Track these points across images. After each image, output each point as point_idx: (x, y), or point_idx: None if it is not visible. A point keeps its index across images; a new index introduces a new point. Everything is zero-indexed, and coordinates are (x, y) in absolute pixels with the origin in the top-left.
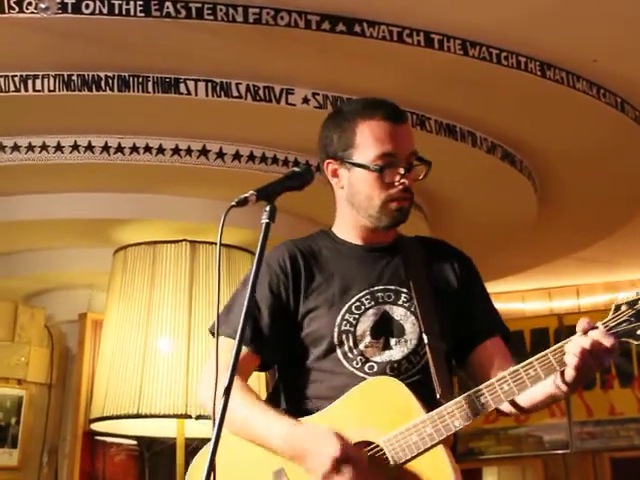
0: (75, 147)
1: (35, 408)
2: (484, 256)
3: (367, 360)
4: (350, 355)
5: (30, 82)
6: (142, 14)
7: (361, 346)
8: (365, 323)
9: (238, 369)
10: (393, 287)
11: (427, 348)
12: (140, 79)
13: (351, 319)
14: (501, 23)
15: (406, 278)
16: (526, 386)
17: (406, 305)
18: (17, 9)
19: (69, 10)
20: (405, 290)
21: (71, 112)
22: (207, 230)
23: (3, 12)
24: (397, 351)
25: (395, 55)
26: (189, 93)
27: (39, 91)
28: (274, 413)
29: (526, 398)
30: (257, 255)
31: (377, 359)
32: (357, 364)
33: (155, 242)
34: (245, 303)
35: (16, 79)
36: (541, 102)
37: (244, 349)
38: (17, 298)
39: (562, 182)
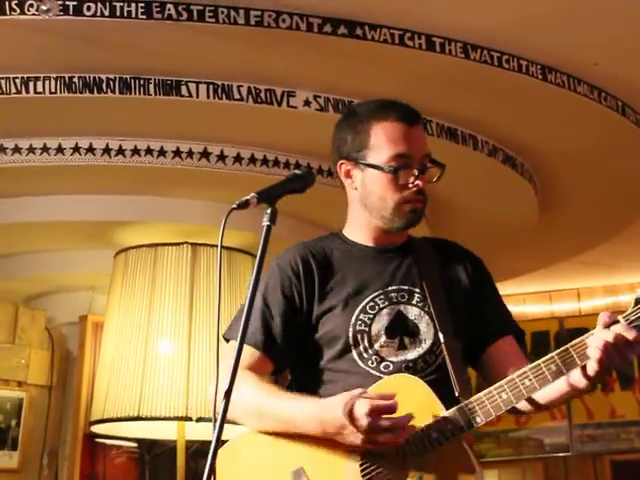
0: (76, 149)
1: (35, 410)
2: (485, 259)
3: (382, 360)
4: (365, 355)
5: (31, 84)
6: (143, 16)
7: (376, 346)
8: (380, 323)
9: (256, 371)
10: (406, 287)
11: (443, 347)
12: (141, 81)
13: (366, 319)
14: (502, 26)
15: (419, 278)
16: (548, 381)
17: (420, 305)
18: (18, 11)
19: (70, 12)
20: (418, 290)
21: (72, 114)
22: (208, 232)
23: (4, 14)
24: (412, 350)
25: (396, 58)
26: (190, 95)
27: (40, 93)
28: (298, 397)
29: (543, 395)
30: (258, 258)
31: (392, 359)
32: (372, 364)
33: (156, 244)
34: (246, 306)
35: (17, 81)
36: (542, 105)
37: (257, 353)
38: (18, 300)
39: (563, 185)
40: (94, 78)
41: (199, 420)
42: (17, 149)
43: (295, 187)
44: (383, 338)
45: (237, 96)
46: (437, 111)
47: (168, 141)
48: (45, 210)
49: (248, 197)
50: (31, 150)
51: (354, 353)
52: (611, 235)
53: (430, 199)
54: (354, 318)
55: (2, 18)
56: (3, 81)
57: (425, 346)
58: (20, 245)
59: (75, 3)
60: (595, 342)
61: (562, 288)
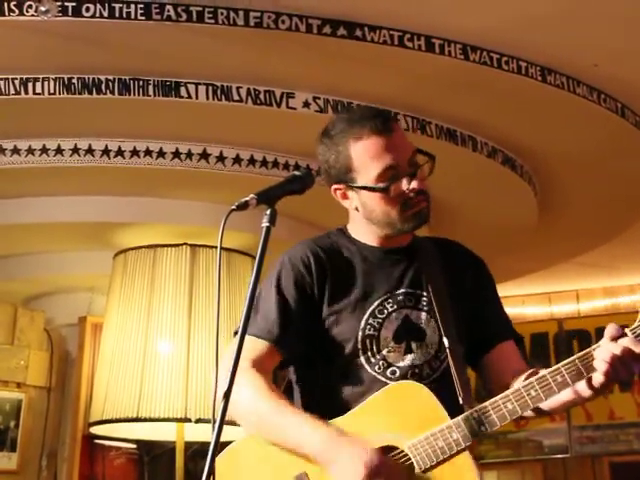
0: (75, 150)
1: (34, 411)
2: (485, 260)
3: (389, 365)
4: (373, 360)
5: (30, 85)
6: (143, 17)
7: (384, 351)
8: (388, 328)
9: (260, 366)
10: (413, 291)
11: (448, 352)
12: (141, 82)
13: (375, 324)
14: (502, 28)
15: (425, 282)
16: (554, 392)
17: (426, 309)
18: (17, 12)
19: (69, 13)
20: (425, 294)
21: (71, 115)
22: (207, 234)
23: (3, 15)
24: (418, 355)
25: (396, 59)
26: (190, 97)
27: (39, 94)
28: (311, 420)
29: (546, 403)
30: (257, 259)
31: (399, 364)
32: (379, 369)
33: (155, 246)
34: (247, 300)
35: (16, 82)
36: (542, 107)
37: (268, 345)
38: (17, 301)
39: (562, 187)
40: (93, 79)
41: (198, 421)
42: (16, 150)
43: (294, 188)
44: (391, 343)
45: (236, 97)
46: (436, 112)
47: (167, 142)
48: (44, 211)
49: (247, 198)
50: (30, 151)
51: (362, 358)
52: (610, 237)
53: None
54: (364, 322)
55: (1, 19)
56: (2, 82)
57: (431, 351)
58: (19, 246)
59: (74, 4)
60: (602, 354)
61: (561, 290)
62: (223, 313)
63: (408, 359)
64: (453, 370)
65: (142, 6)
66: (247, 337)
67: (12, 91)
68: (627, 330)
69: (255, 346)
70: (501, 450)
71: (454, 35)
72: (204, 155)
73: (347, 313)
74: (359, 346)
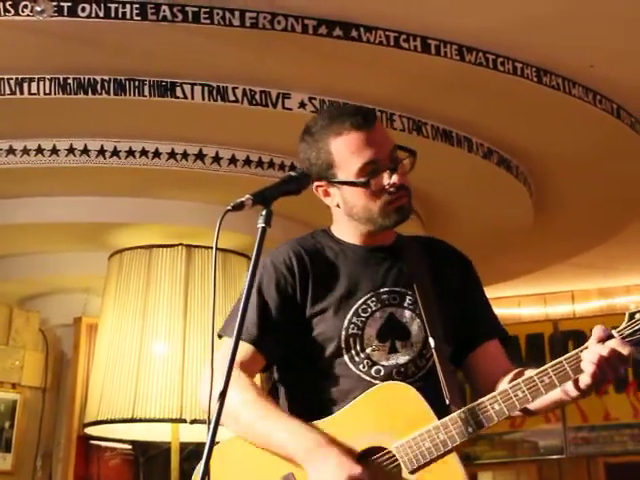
0: (71, 150)
1: (29, 412)
2: (480, 261)
3: (374, 364)
4: (357, 359)
5: (26, 85)
6: (138, 18)
7: (368, 350)
8: (372, 327)
9: (245, 369)
10: (398, 289)
11: (434, 352)
12: (136, 83)
13: (358, 322)
14: (498, 29)
15: (410, 280)
16: (541, 393)
17: (411, 307)
18: (13, 12)
19: (65, 13)
20: (410, 292)
21: (67, 115)
22: (203, 234)
23: None
24: (403, 354)
25: (391, 60)
26: (185, 97)
27: (35, 94)
28: (299, 424)
29: (535, 402)
30: (253, 259)
31: (384, 363)
32: (364, 368)
33: (151, 246)
34: (242, 302)
35: (12, 82)
36: (537, 108)
37: (252, 349)
38: (12, 302)
39: (558, 188)
40: (89, 79)
41: (193, 422)
42: (11, 150)
43: (290, 189)
44: (375, 342)
45: (232, 98)
46: (432, 113)
47: (163, 143)
48: (39, 211)
49: (243, 199)
50: (25, 151)
51: (346, 357)
52: (606, 238)
53: (425, 201)
54: (347, 321)
55: None
56: None
57: (416, 349)
58: (14, 246)
59: (69, 4)
60: (590, 356)
61: (557, 291)
62: (218, 314)
63: (393, 358)
64: (439, 369)
65: (138, 6)
66: (229, 340)
67: (7, 91)
68: (614, 332)
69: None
70: (496, 451)
71: (450, 36)
72: (200, 155)
73: (331, 312)
74: (343, 345)
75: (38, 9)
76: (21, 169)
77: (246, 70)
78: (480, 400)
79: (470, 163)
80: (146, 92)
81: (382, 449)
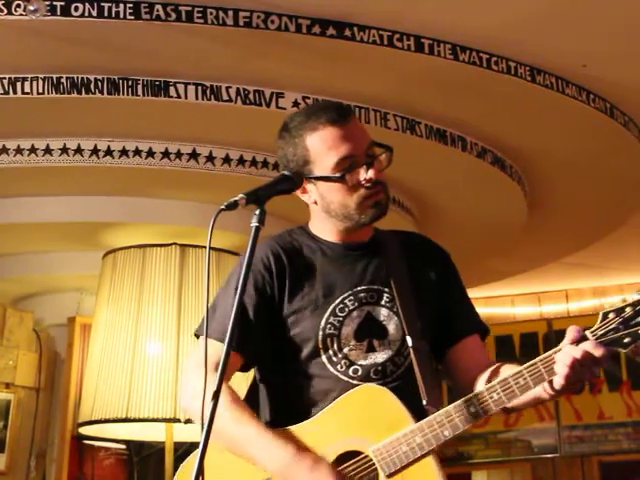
0: (64, 150)
1: (23, 412)
2: (474, 260)
3: (351, 363)
4: (334, 359)
5: (19, 84)
6: (132, 17)
7: (345, 350)
8: (349, 326)
9: (225, 369)
10: (375, 287)
11: (411, 351)
12: (130, 82)
13: (335, 322)
14: (491, 28)
15: (387, 277)
16: (515, 395)
17: (388, 305)
18: (5, 11)
19: (58, 12)
20: (387, 290)
21: (60, 115)
22: (197, 234)
23: None
24: (381, 353)
25: (385, 59)
26: (179, 96)
27: (28, 93)
28: (271, 437)
29: (511, 402)
30: (247, 259)
31: (361, 362)
32: (341, 368)
33: (144, 245)
34: (235, 305)
35: (5, 81)
36: (531, 107)
37: (203, 359)
38: (5, 301)
39: (552, 187)
40: (82, 79)
41: (187, 422)
42: (4, 150)
43: (284, 188)
44: (352, 342)
45: (226, 97)
46: (426, 112)
47: (157, 142)
48: (33, 211)
49: (237, 198)
50: (19, 151)
51: (323, 357)
52: (600, 237)
53: (419, 200)
54: (324, 321)
55: None
56: None
57: (394, 348)
58: (8, 246)
59: (63, 3)
60: (563, 358)
61: (551, 289)
62: None
63: (370, 357)
64: (416, 369)
65: (131, 5)
66: (207, 340)
67: (0, 91)
68: (588, 333)
69: (214, 350)
70: (490, 450)
71: (444, 35)
72: (193, 155)
73: (308, 312)
74: (320, 345)
75: (31, 8)
76: (14, 169)
77: (239, 69)
78: (456, 403)
79: (464, 162)
80: (139, 91)
81: (359, 453)
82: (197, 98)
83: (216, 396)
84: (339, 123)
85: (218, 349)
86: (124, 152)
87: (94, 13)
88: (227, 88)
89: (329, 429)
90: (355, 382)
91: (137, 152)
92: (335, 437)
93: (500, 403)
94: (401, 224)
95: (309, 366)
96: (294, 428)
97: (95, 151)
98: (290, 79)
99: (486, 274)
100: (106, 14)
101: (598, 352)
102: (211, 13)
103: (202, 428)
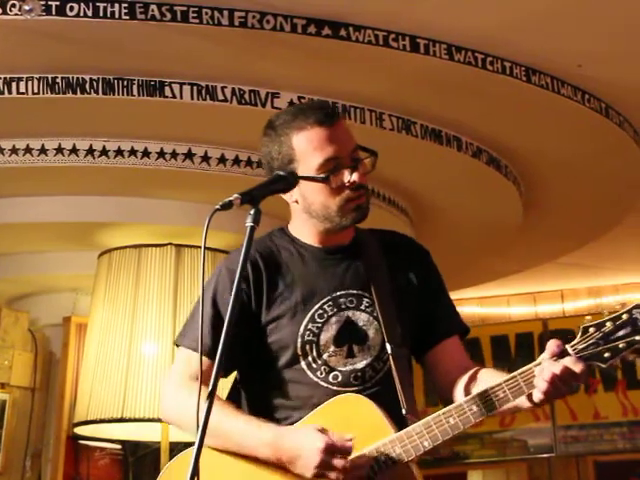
0: (59, 150)
1: (18, 412)
2: (470, 260)
3: (331, 369)
4: (314, 365)
5: (14, 84)
6: (127, 17)
7: (325, 356)
8: (328, 332)
9: (202, 378)
10: (355, 292)
11: (390, 357)
12: (125, 82)
13: (314, 328)
14: (487, 28)
15: (367, 281)
16: (495, 408)
17: (368, 310)
18: (1, 11)
19: (53, 12)
20: (367, 294)
21: (55, 115)
22: (192, 234)
23: None
24: (360, 359)
25: (381, 59)
26: (174, 96)
27: (23, 93)
28: (255, 421)
29: None
30: (242, 259)
31: (341, 368)
32: (321, 374)
33: (140, 245)
34: (230, 308)
35: (0, 81)
36: (526, 107)
37: (206, 360)
38: (1, 301)
39: (547, 187)
40: (77, 79)
41: None
42: (0, 150)
43: (278, 188)
44: (332, 347)
45: (221, 97)
46: (421, 112)
47: (152, 142)
48: (28, 211)
49: (232, 198)
50: (14, 151)
51: (303, 364)
52: (595, 237)
53: (414, 201)
54: (302, 328)
55: None
56: None
57: (374, 353)
58: (3, 246)
59: (58, 3)
60: (542, 374)
61: (546, 290)
62: None
63: (350, 363)
64: (395, 374)
65: (126, 5)
66: (183, 349)
67: None
68: (568, 347)
69: (190, 359)
70: (486, 450)
71: (439, 35)
72: (189, 155)
73: (287, 319)
74: (299, 352)
75: (26, 8)
76: (9, 168)
77: (235, 69)
78: (436, 414)
79: (459, 162)
80: (135, 91)
81: None
82: (192, 98)
83: (211, 396)
84: (326, 124)
85: (194, 359)
86: (119, 152)
87: (89, 13)
88: (222, 88)
89: None
90: (335, 388)
91: (132, 152)
92: None
93: (479, 415)
94: (396, 224)
95: (289, 373)
96: None
97: (90, 151)
98: (285, 79)
99: (481, 274)
100: (101, 14)
101: (578, 367)
102: (206, 13)
103: (197, 430)
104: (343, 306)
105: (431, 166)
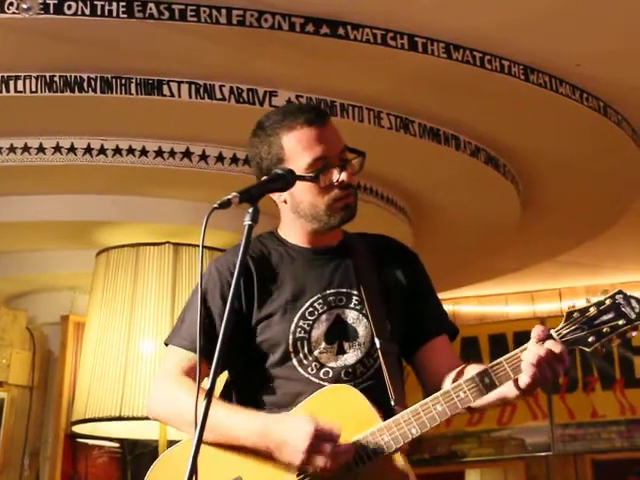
0: (57, 149)
1: (17, 410)
2: (468, 259)
3: (322, 366)
4: (305, 362)
5: (12, 83)
6: (125, 15)
7: (316, 352)
8: (319, 329)
9: (193, 377)
10: (344, 290)
11: (379, 353)
12: (123, 80)
13: (305, 325)
14: (485, 27)
15: (356, 280)
16: (482, 393)
17: (358, 308)
18: None
19: (51, 11)
20: (356, 292)
21: (53, 113)
22: (190, 232)
23: None
24: (351, 355)
25: (379, 58)
26: (172, 95)
27: (21, 92)
28: (243, 411)
29: (477, 402)
30: (240, 258)
31: (332, 364)
32: (312, 370)
33: (138, 244)
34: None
35: None
36: (524, 106)
37: (194, 357)
38: None
39: (545, 186)
40: (75, 77)
41: None
42: None
43: (276, 186)
44: (322, 344)
45: (219, 96)
46: (419, 111)
47: (150, 141)
48: (26, 210)
49: (230, 196)
50: (12, 150)
51: (294, 360)
52: (593, 235)
53: (412, 199)
54: (294, 325)
55: None
56: None
57: (364, 349)
58: (1, 245)
59: (56, 2)
60: (528, 357)
61: (544, 288)
62: None
63: (341, 359)
64: (384, 370)
65: (124, 4)
66: (173, 348)
67: None
68: (553, 332)
69: (181, 358)
70: (484, 448)
71: (437, 34)
72: (187, 153)
73: (278, 317)
74: (290, 349)
75: (24, 7)
76: (7, 167)
77: (233, 68)
78: (423, 402)
79: (458, 161)
80: (133, 90)
81: None
82: (190, 97)
83: (209, 394)
84: (316, 124)
85: (183, 357)
86: (117, 151)
87: (87, 11)
88: (220, 87)
89: None
90: (326, 384)
91: (130, 151)
92: None
93: (466, 402)
94: (394, 222)
95: (280, 370)
96: None
97: (88, 150)
98: (283, 78)
99: (479, 273)
100: (99, 12)
101: (557, 349)
102: (204, 11)
103: (195, 428)
104: (333, 304)
105: (429, 165)
